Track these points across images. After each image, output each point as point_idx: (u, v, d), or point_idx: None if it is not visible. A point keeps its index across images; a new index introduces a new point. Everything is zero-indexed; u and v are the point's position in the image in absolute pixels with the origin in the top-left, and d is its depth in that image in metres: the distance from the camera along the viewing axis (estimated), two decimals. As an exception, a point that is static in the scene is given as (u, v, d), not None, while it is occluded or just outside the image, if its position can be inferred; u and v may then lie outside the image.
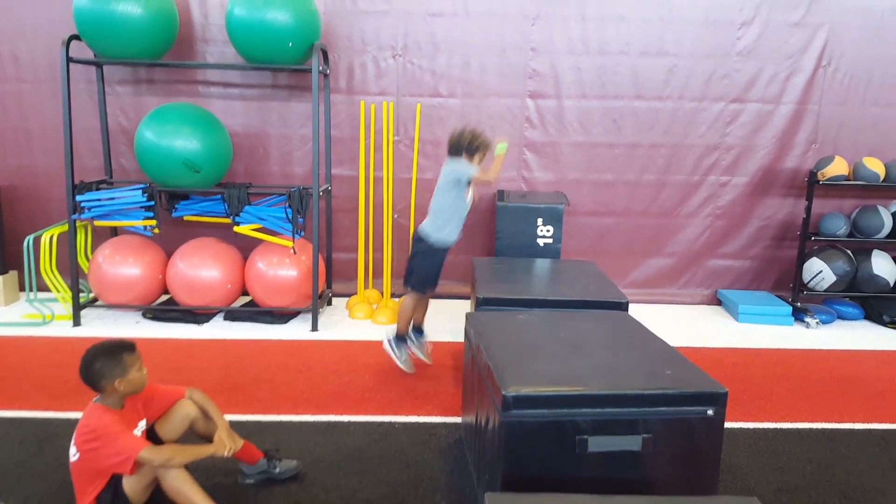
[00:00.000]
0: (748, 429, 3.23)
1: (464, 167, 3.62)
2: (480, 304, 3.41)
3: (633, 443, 2.21)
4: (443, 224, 3.66)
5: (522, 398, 2.16)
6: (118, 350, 2.29)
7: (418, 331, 3.86)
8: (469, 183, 3.67)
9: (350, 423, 3.13)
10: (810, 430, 3.27)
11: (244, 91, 4.91)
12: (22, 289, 4.88)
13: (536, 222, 4.47)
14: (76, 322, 4.41)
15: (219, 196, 4.50)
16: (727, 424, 2.87)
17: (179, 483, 2.23)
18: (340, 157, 5.01)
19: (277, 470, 2.61)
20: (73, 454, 2.26)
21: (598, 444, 2.18)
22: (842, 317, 5.00)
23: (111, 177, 4.85)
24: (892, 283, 4.86)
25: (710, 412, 2.24)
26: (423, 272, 3.70)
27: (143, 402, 2.42)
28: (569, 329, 2.87)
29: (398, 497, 2.56)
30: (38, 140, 4.91)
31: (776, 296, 5.15)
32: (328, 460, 2.78)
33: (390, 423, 3.13)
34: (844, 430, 3.28)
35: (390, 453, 2.86)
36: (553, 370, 2.38)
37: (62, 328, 4.34)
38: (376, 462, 2.78)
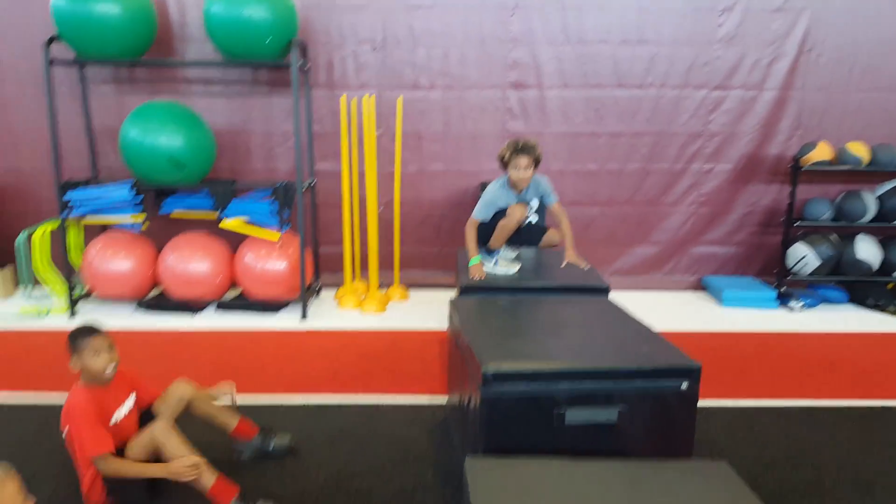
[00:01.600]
0: (727, 406, 3.42)
1: (503, 192, 3.96)
2: (463, 291, 3.58)
3: (609, 415, 2.38)
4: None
5: (501, 374, 2.33)
6: (78, 333, 2.50)
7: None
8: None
9: (340, 405, 3.31)
10: (789, 407, 3.46)
11: (225, 88, 5.06)
12: (17, 284, 5.05)
13: (521, 212, 4.63)
14: (72, 314, 4.60)
15: (205, 191, 4.66)
16: (706, 402, 3.08)
17: (165, 438, 2.41)
18: (324, 152, 5.17)
19: (272, 446, 2.78)
20: (65, 431, 2.42)
21: (574, 416, 2.36)
22: (827, 300, 5.18)
23: (97, 175, 5.00)
24: (875, 267, 5.05)
25: (683, 386, 2.42)
26: None
27: (130, 383, 2.59)
28: (549, 312, 3.05)
29: (386, 470, 2.73)
30: (24, 142, 5.04)
31: (761, 281, 5.34)
32: (320, 438, 2.96)
33: (379, 405, 3.31)
34: (823, 407, 3.48)
35: (379, 431, 3.04)
36: (531, 348, 2.56)
37: (59, 320, 4.52)
38: (366, 439, 2.96)
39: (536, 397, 2.34)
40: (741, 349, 4.20)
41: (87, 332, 2.51)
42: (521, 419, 2.35)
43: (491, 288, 3.58)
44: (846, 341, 4.39)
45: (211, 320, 4.56)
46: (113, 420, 2.52)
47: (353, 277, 5.21)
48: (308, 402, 3.33)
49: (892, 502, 2.62)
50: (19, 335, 4.25)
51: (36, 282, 4.85)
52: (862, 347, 4.28)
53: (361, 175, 5.08)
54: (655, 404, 2.41)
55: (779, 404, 3.48)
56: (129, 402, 2.58)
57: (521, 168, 3.90)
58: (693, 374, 2.41)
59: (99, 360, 2.49)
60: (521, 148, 3.87)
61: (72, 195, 4.51)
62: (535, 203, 4.16)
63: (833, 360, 4.05)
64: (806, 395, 3.57)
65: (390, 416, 3.21)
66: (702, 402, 3.31)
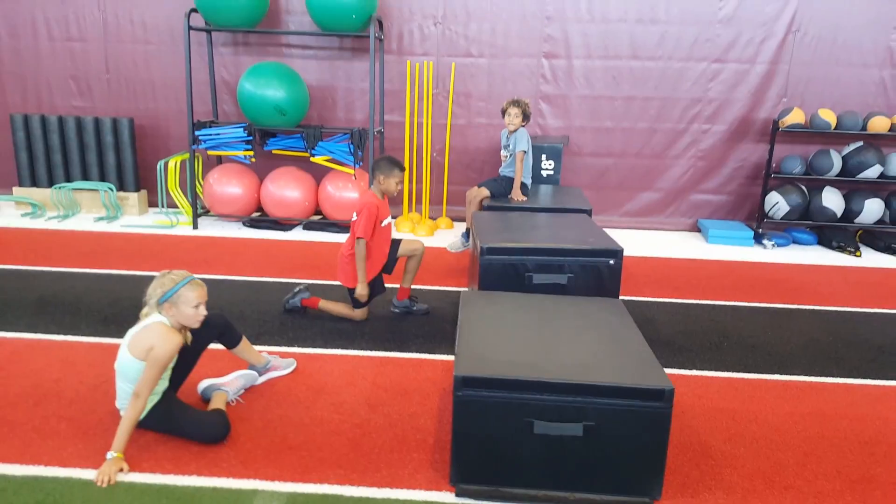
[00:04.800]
0: (671, 302, 4.85)
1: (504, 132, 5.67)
2: (485, 209, 5.13)
3: (560, 279, 3.89)
4: None
5: (493, 248, 3.87)
6: (393, 162, 4.16)
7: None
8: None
9: (393, 287, 4.91)
10: (721, 305, 4.85)
11: (317, 52, 6.69)
12: (151, 204, 6.88)
13: (541, 158, 6.11)
14: (195, 226, 6.38)
15: (299, 135, 6.32)
16: (655, 298, 4.54)
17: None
18: (391, 106, 6.76)
19: (415, 307, 4.42)
20: (354, 216, 4.16)
21: (539, 278, 3.88)
22: (797, 242, 6.51)
23: (217, 118, 6.73)
24: (839, 214, 6.32)
25: (611, 262, 3.90)
26: None
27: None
28: (538, 220, 4.59)
29: (424, 321, 4.34)
30: (159, 89, 6.83)
31: (745, 224, 6.68)
32: (380, 300, 4.58)
33: (423, 289, 4.90)
34: (748, 307, 4.86)
35: (422, 302, 4.63)
36: (514, 237, 4.09)
37: (185, 230, 6.33)
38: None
39: (514, 264, 3.86)
40: (710, 271, 5.62)
41: (398, 164, 4.17)
42: (504, 279, 3.87)
43: (504, 208, 5.10)
44: (798, 270, 5.76)
45: (300, 235, 6.28)
46: (384, 223, 4.22)
47: (410, 209, 6.83)
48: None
49: (763, 357, 4.03)
50: (154, 237, 6.05)
51: (168, 201, 6.64)
52: (807, 272, 5.63)
53: (420, 126, 6.64)
54: (593, 273, 3.89)
55: (712, 303, 4.86)
56: (390, 217, 4.31)
57: (512, 115, 5.48)
58: (617, 254, 3.88)
59: (395, 184, 4.19)
60: (514, 101, 5.47)
61: (200, 132, 6.25)
62: (510, 149, 5.61)
63: (779, 281, 5.41)
64: (744, 299, 4.94)
65: (430, 295, 4.80)
66: (665, 300, 4.77)
